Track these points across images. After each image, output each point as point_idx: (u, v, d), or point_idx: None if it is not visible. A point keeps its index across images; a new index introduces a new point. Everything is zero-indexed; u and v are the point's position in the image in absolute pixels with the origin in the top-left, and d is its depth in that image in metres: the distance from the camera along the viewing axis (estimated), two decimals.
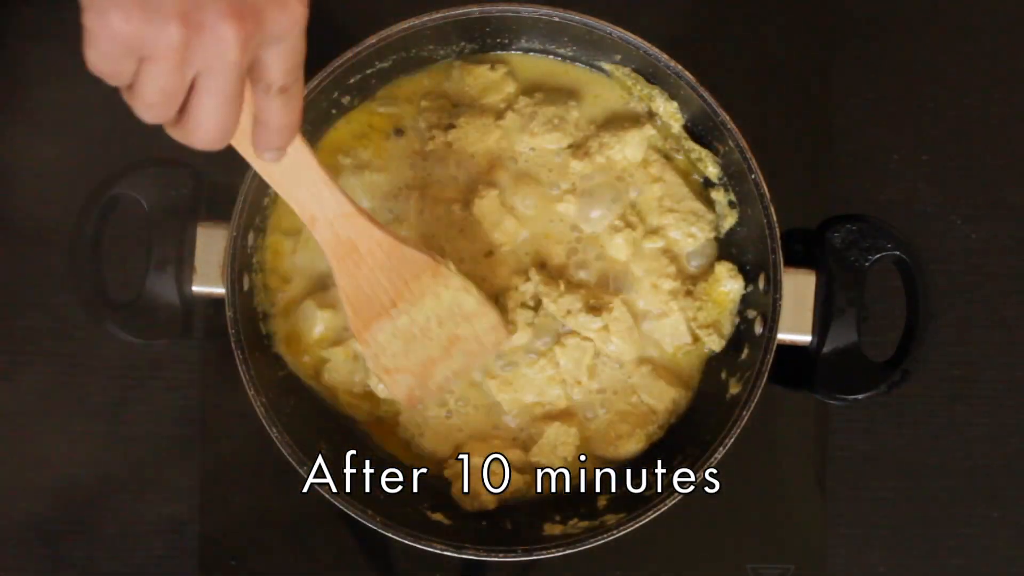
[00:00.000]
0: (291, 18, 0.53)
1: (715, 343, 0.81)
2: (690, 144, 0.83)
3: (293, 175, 0.66)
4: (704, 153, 0.82)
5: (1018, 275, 0.92)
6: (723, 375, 0.81)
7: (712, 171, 0.82)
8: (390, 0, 0.83)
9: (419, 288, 0.73)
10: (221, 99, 0.53)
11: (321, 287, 0.81)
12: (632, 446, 0.81)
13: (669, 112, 0.82)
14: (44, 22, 0.90)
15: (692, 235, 0.82)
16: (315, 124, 0.81)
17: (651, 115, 0.83)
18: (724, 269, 0.81)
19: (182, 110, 0.53)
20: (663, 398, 0.81)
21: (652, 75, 0.81)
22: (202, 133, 0.54)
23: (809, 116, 0.92)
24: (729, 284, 0.81)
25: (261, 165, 0.64)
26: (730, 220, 0.83)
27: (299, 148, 0.64)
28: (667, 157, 0.84)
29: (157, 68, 0.51)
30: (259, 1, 0.51)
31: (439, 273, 0.73)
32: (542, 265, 0.81)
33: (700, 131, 0.82)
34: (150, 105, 0.52)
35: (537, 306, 0.80)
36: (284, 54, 0.54)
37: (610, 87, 0.84)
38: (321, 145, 0.83)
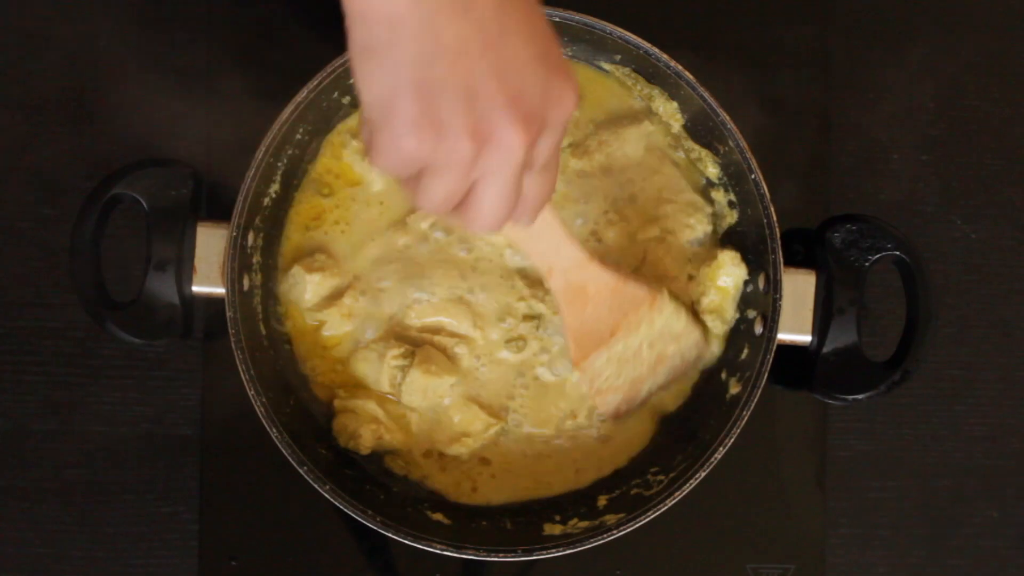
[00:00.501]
0: (566, 109, 0.54)
1: (718, 328, 0.81)
2: (690, 144, 0.83)
3: (537, 233, 0.69)
4: (704, 153, 0.82)
5: (1018, 275, 0.92)
6: (723, 375, 0.81)
7: (712, 171, 0.82)
8: None
9: (637, 318, 0.77)
10: (503, 195, 0.54)
11: (307, 253, 0.82)
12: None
13: (669, 112, 0.82)
14: (45, 27, 0.90)
15: (690, 226, 0.82)
16: (315, 125, 0.81)
17: (650, 112, 0.83)
18: (727, 257, 0.81)
19: (462, 202, 0.54)
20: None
21: (652, 75, 0.81)
22: (480, 222, 0.55)
23: (809, 116, 0.92)
24: (732, 270, 0.81)
25: (511, 230, 0.66)
26: (730, 220, 0.83)
27: (546, 210, 0.66)
28: (665, 152, 0.84)
29: (444, 178, 0.52)
30: (541, 102, 0.52)
31: (656, 303, 0.77)
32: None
33: (700, 131, 0.82)
34: (432, 204, 0.53)
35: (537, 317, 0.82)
36: (554, 139, 0.55)
37: (609, 86, 0.84)
38: (325, 141, 0.83)
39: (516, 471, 0.82)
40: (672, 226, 0.82)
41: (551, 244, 0.72)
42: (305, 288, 0.80)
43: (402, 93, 0.49)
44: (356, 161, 0.83)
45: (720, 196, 0.83)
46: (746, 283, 0.81)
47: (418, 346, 0.81)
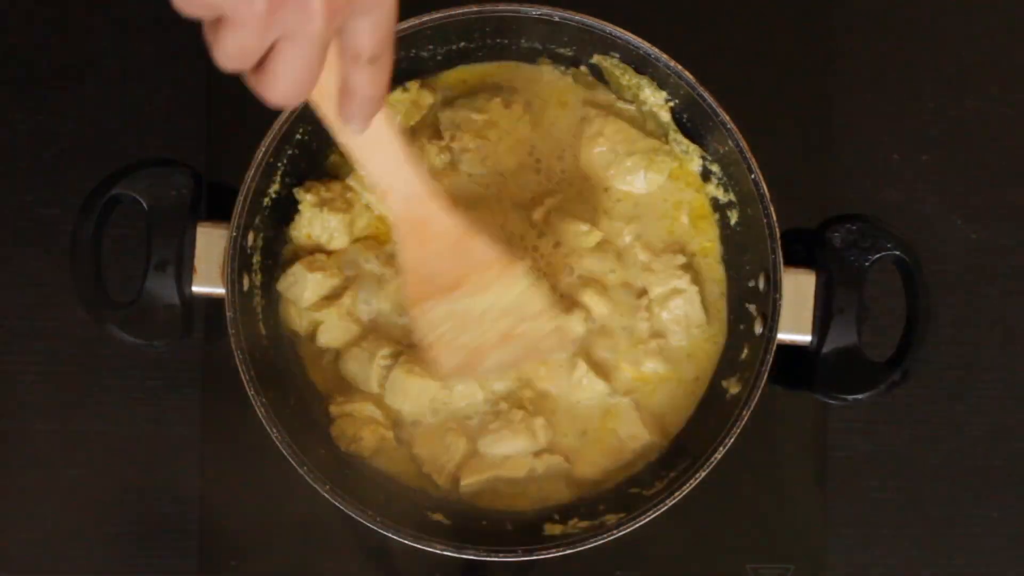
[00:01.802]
0: None
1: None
2: (679, 137, 0.83)
3: (373, 147, 0.64)
4: (692, 148, 0.82)
5: (1018, 275, 0.92)
6: (722, 375, 0.82)
7: (696, 163, 0.83)
8: None
9: (484, 280, 0.71)
10: (300, 64, 0.51)
11: (309, 251, 0.82)
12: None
13: (657, 103, 0.82)
14: (46, 26, 0.90)
15: (659, 170, 0.82)
16: (316, 124, 0.81)
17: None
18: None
19: (261, 63, 0.52)
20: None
21: (648, 71, 0.81)
22: (277, 91, 0.53)
23: (809, 116, 0.92)
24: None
25: (342, 134, 0.62)
26: (730, 220, 0.83)
27: (382, 121, 0.62)
28: (607, 110, 0.84)
29: (238, 31, 0.50)
30: None
31: (508, 272, 0.71)
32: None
33: (691, 126, 0.82)
34: (227, 56, 0.51)
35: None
36: (374, 25, 0.53)
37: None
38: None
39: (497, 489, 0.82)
40: (640, 181, 0.83)
41: (390, 164, 0.65)
42: (305, 286, 0.80)
43: None
44: None
45: (720, 196, 0.83)
46: (747, 282, 0.81)
47: (409, 347, 0.81)
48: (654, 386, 0.82)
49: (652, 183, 0.83)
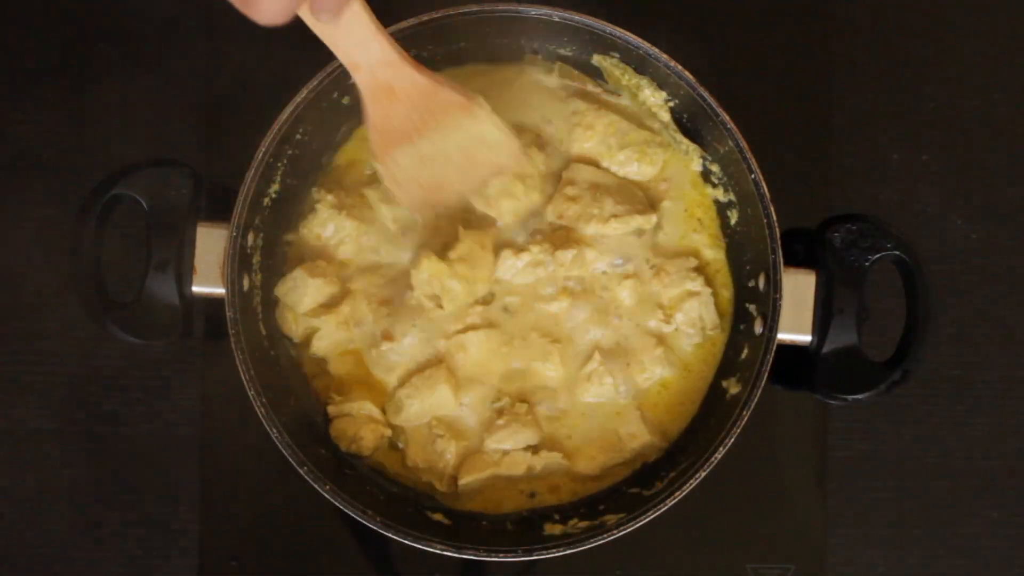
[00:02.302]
0: None
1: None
2: (679, 137, 0.83)
3: (343, 27, 0.67)
4: (692, 147, 0.82)
5: (1018, 275, 0.92)
6: (722, 375, 0.82)
7: (696, 163, 0.83)
8: (390, 0, 0.83)
9: (447, 121, 0.74)
10: None
11: (310, 258, 0.82)
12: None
13: (657, 103, 0.82)
14: (47, 26, 0.90)
15: (652, 162, 0.83)
16: (315, 124, 0.81)
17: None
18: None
19: None
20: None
21: (648, 72, 0.81)
22: (263, 11, 0.55)
23: (809, 116, 0.92)
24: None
25: (315, 23, 0.65)
26: (730, 220, 0.83)
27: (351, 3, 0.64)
28: (599, 105, 0.84)
29: None
30: None
31: (469, 109, 0.74)
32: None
33: (691, 126, 0.82)
34: None
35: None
36: None
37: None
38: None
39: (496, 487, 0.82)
40: (635, 171, 0.83)
41: (358, 39, 0.69)
42: (305, 291, 0.80)
43: None
44: None
45: (720, 196, 0.83)
46: (747, 282, 0.81)
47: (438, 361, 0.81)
48: (657, 388, 0.82)
49: (645, 174, 0.83)
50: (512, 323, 0.81)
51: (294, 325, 0.82)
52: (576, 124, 0.84)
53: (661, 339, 0.82)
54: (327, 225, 0.82)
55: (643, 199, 0.83)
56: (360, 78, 0.71)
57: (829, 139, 0.92)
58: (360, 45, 0.69)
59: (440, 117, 0.74)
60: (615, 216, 0.81)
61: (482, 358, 0.81)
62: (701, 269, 0.83)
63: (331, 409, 0.81)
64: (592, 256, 0.82)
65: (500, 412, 0.81)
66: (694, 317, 0.81)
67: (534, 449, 0.80)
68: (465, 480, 0.80)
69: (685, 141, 0.83)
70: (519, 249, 0.81)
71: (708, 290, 0.82)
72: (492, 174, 0.78)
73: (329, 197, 0.81)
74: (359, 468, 0.81)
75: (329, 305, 0.81)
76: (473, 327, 0.81)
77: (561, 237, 0.82)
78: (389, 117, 0.73)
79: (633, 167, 0.83)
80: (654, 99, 0.82)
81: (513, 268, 0.81)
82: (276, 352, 0.82)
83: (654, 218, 0.82)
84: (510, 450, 0.80)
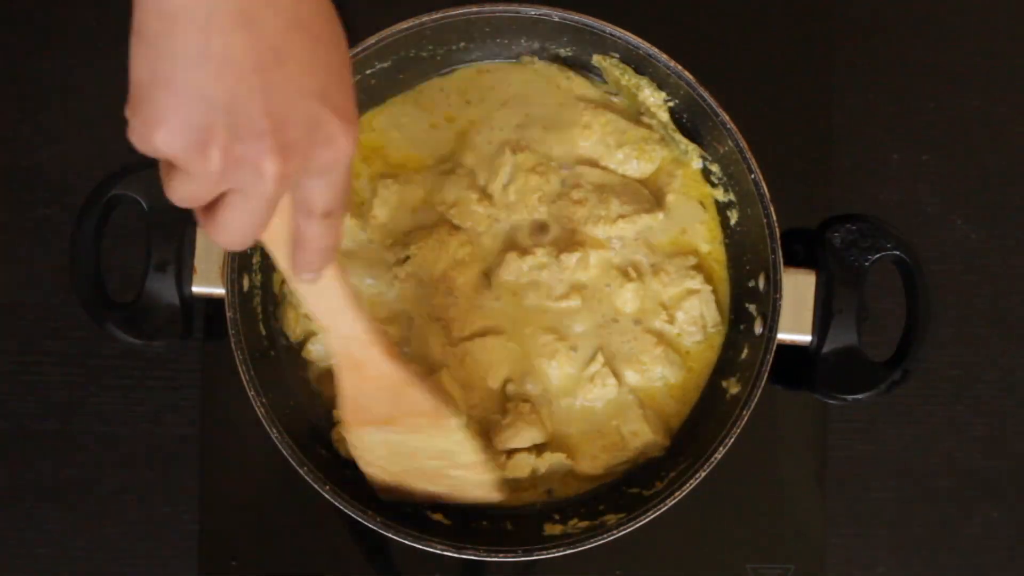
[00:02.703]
0: (337, 154, 0.51)
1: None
2: (678, 137, 0.83)
3: (319, 290, 0.64)
4: (692, 147, 0.82)
5: (1018, 275, 0.92)
6: (722, 375, 0.81)
7: (696, 163, 0.82)
8: (389, 0, 0.83)
9: (416, 424, 0.72)
10: (247, 217, 0.52)
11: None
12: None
13: (656, 103, 0.82)
14: (46, 26, 0.90)
15: (651, 159, 0.83)
16: None
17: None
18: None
19: (211, 206, 0.52)
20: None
21: (648, 72, 0.81)
22: (223, 236, 0.53)
23: (809, 116, 0.92)
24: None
25: (292, 279, 0.62)
26: (730, 220, 0.83)
27: (331, 270, 0.62)
28: (596, 104, 0.84)
29: (188, 182, 0.50)
30: (306, 137, 0.50)
31: (441, 423, 0.72)
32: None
33: (691, 126, 0.82)
34: (176, 198, 0.52)
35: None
36: (328, 184, 0.53)
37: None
38: None
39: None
40: (634, 168, 0.83)
41: (333, 306, 0.65)
42: None
43: (161, 86, 0.47)
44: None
45: (720, 196, 0.83)
46: (746, 282, 0.81)
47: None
48: (659, 386, 0.82)
49: (644, 172, 0.83)
50: (516, 325, 0.81)
51: (294, 324, 0.82)
52: (573, 123, 0.84)
53: (663, 338, 0.82)
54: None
55: (649, 197, 0.83)
56: (333, 344, 0.68)
57: (829, 139, 0.92)
58: (332, 313, 0.66)
59: (409, 417, 0.71)
60: (622, 216, 0.81)
61: (485, 361, 0.81)
62: (700, 266, 0.83)
63: (336, 412, 0.81)
64: (597, 258, 0.82)
65: (504, 412, 0.81)
66: (695, 315, 0.81)
67: (538, 450, 0.80)
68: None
69: (684, 141, 0.83)
70: (524, 251, 0.81)
71: (708, 287, 0.82)
72: (459, 498, 0.77)
73: None
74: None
75: None
76: (478, 334, 0.81)
77: (566, 239, 0.82)
78: (359, 393, 0.71)
79: (632, 164, 0.83)
80: (653, 99, 0.82)
81: (518, 271, 0.81)
82: (276, 352, 0.82)
83: (661, 215, 0.82)
84: (515, 450, 0.80)
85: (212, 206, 0.52)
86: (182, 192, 0.51)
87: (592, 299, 0.81)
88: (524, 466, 0.80)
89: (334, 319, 0.66)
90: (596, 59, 0.83)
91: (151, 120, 0.48)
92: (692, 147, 0.82)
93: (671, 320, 0.82)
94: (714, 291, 0.82)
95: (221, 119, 0.48)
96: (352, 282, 0.71)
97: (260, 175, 0.49)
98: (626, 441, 0.81)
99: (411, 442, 0.73)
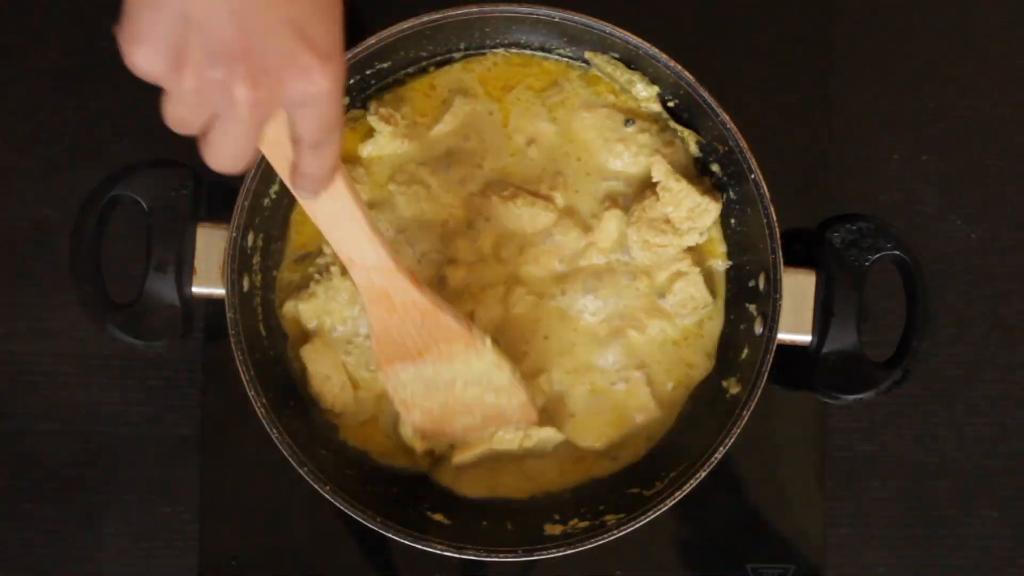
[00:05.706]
0: (314, 89, 0.53)
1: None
2: (674, 125, 0.83)
3: (334, 218, 0.65)
4: (687, 133, 0.82)
5: (1018, 275, 0.92)
6: (722, 376, 0.82)
7: (694, 148, 0.83)
8: (389, 1, 0.83)
9: (450, 351, 0.73)
10: (233, 140, 0.53)
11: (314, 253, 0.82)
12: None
13: (649, 97, 0.82)
14: (46, 26, 0.90)
15: (648, 153, 0.83)
16: None
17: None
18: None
19: (205, 133, 0.54)
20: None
21: (648, 72, 0.81)
22: (215, 159, 0.55)
23: (809, 116, 0.92)
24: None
25: (305, 201, 0.65)
26: (730, 219, 0.83)
27: (341, 193, 0.64)
28: (586, 107, 0.84)
29: (177, 104, 0.52)
30: (277, 66, 0.51)
31: (473, 345, 0.73)
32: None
33: (692, 126, 0.82)
34: (170, 122, 0.54)
35: None
36: (313, 117, 0.54)
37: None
38: None
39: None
40: (628, 161, 0.83)
41: (352, 236, 0.67)
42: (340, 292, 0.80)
43: (146, 5, 0.49)
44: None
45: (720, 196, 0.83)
46: (747, 282, 0.81)
47: None
48: (666, 364, 0.82)
49: (642, 165, 0.83)
50: (523, 313, 0.81)
51: (294, 324, 0.82)
52: (572, 120, 0.84)
53: (664, 316, 0.82)
54: (389, 145, 0.82)
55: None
56: (356, 277, 0.70)
57: (829, 139, 0.92)
58: (354, 243, 0.67)
59: (441, 344, 0.72)
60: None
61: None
62: (692, 248, 0.83)
63: (311, 391, 0.81)
64: (602, 245, 0.82)
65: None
66: (685, 297, 0.82)
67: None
68: (460, 458, 0.80)
69: (679, 128, 0.83)
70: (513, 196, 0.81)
71: (696, 269, 0.82)
72: (498, 425, 0.78)
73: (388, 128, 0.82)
74: (359, 466, 0.81)
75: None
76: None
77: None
78: (389, 328, 0.72)
79: (629, 159, 0.83)
80: (646, 93, 0.82)
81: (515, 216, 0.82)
82: (276, 352, 0.82)
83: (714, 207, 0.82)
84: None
85: (204, 133, 0.54)
86: (171, 114, 0.53)
87: (600, 282, 0.82)
88: (511, 440, 0.80)
89: (355, 247, 0.67)
90: (588, 55, 0.83)
91: (134, 38, 0.50)
92: (687, 132, 0.82)
93: (668, 304, 0.82)
94: (709, 271, 0.83)
95: (197, 40, 0.50)
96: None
97: (233, 100, 0.51)
98: (631, 416, 0.81)
99: (445, 373, 0.74)
